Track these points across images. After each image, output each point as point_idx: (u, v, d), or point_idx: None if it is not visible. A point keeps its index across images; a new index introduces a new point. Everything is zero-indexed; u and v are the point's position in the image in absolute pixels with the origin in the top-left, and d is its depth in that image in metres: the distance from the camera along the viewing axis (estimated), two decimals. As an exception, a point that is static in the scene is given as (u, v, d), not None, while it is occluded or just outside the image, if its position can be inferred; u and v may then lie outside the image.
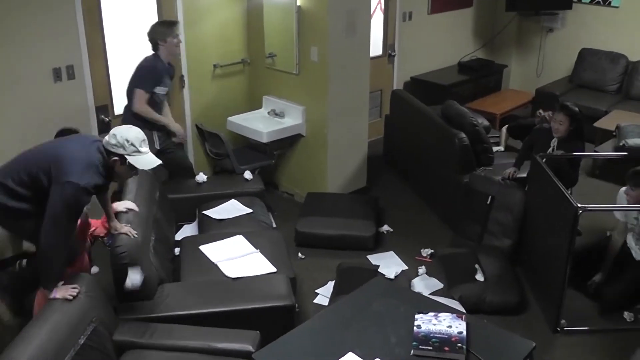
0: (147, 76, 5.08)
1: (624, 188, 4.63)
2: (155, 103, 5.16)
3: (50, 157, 3.40)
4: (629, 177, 4.49)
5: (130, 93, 5.10)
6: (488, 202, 5.21)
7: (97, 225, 4.51)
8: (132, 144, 3.43)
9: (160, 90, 5.14)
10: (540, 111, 6.11)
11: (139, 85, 5.05)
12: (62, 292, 3.33)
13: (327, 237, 5.36)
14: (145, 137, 3.54)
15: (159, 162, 3.59)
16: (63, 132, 4.51)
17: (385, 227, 5.71)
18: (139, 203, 4.24)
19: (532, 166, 5.09)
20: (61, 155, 3.37)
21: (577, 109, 5.11)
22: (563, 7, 8.24)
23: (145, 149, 3.50)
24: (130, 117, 5.04)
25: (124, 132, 3.45)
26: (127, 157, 3.43)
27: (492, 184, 5.29)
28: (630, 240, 4.66)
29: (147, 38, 5.14)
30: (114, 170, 3.50)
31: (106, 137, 3.47)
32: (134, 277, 3.63)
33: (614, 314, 4.53)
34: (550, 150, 5.15)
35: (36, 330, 3.04)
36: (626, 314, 4.50)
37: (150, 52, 5.17)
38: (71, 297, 3.32)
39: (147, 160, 3.51)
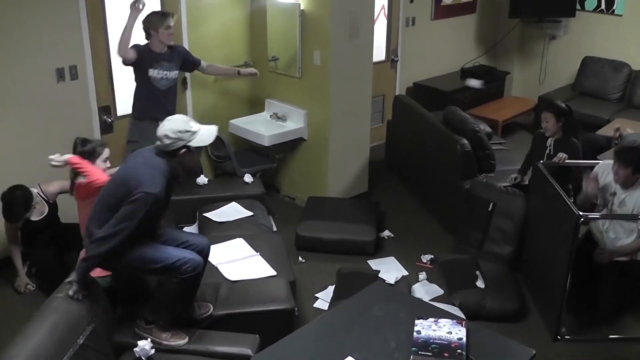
0: (139, 62, 5.09)
1: (607, 162, 4.69)
2: (155, 89, 5.15)
3: (121, 183, 3.42)
4: (618, 153, 4.48)
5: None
6: (489, 209, 5.20)
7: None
8: (186, 131, 3.43)
9: (155, 73, 5.12)
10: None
11: (136, 69, 5.15)
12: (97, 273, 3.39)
13: (327, 242, 5.35)
14: (186, 116, 3.58)
15: (216, 128, 3.59)
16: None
17: (386, 232, 5.71)
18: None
19: (533, 173, 5.09)
20: (130, 175, 3.42)
21: (563, 105, 5.18)
22: (566, 14, 8.24)
23: (196, 125, 3.50)
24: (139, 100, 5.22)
25: (170, 126, 3.43)
26: (189, 144, 3.44)
27: (494, 191, 5.27)
28: (599, 225, 4.68)
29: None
30: (182, 165, 3.52)
31: (157, 143, 3.46)
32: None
33: (613, 322, 4.53)
34: (547, 151, 5.15)
35: (35, 329, 3.03)
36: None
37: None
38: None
39: (206, 134, 3.52)
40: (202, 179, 5.61)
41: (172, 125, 3.44)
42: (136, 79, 5.19)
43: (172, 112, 5.02)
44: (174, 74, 5.24)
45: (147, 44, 5.13)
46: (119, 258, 3.41)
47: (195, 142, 3.46)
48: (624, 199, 4.52)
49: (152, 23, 5.07)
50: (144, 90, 5.15)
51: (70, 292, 3.33)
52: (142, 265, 3.47)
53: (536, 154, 5.25)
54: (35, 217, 4.65)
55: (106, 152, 4.29)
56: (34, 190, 4.61)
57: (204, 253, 3.75)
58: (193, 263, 3.51)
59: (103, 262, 3.45)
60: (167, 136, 3.41)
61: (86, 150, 4.21)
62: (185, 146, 3.44)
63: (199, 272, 3.58)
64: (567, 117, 5.12)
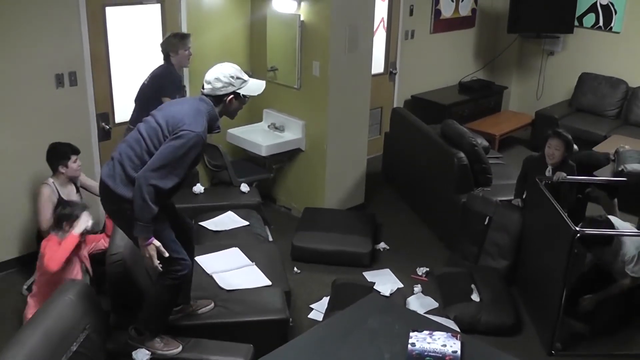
0: (170, 84, 5.09)
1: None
2: None
3: (158, 125, 3.31)
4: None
5: (150, 101, 4.88)
6: (485, 223, 5.20)
7: (98, 239, 4.52)
8: (237, 77, 3.42)
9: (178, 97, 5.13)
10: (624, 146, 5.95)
11: (165, 93, 5.00)
12: (153, 251, 3.30)
13: (323, 253, 5.34)
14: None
15: (264, 83, 3.59)
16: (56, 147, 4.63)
17: (382, 244, 5.71)
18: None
19: (530, 189, 5.09)
20: (170, 114, 3.33)
21: (569, 136, 5.12)
22: (564, 30, 8.29)
23: (246, 75, 3.49)
24: None
25: (222, 71, 3.40)
26: (239, 91, 3.43)
27: (490, 205, 5.28)
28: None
29: (159, 49, 5.21)
30: (226, 112, 3.49)
31: (207, 86, 3.40)
32: None
33: (607, 337, 4.52)
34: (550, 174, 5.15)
35: (28, 335, 3.01)
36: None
37: (158, 64, 5.23)
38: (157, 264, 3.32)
39: (255, 85, 3.52)
40: (199, 188, 5.60)
41: (224, 70, 3.41)
42: (157, 98, 4.97)
43: None
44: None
45: (168, 70, 5.13)
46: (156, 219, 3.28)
47: (244, 90, 3.45)
48: None
49: (173, 45, 5.14)
50: None
51: (156, 267, 3.32)
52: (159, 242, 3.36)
53: (531, 179, 5.24)
54: (65, 196, 4.67)
55: (83, 218, 4.25)
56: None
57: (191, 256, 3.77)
58: (187, 267, 3.51)
59: (148, 223, 3.25)
60: (218, 79, 3.37)
61: (65, 214, 4.22)
62: (234, 92, 3.42)
63: (186, 276, 3.56)
64: (571, 149, 5.09)
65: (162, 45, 5.17)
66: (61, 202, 4.33)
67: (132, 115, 5.24)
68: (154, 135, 3.29)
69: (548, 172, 5.08)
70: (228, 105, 3.45)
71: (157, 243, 3.29)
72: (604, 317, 4.56)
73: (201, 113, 3.33)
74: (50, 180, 4.65)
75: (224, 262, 4.48)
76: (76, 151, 4.69)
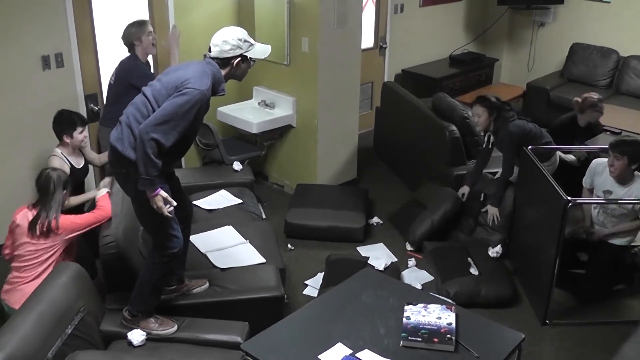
0: (137, 78, 4.79)
1: (599, 160, 4.66)
2: None
3: (164, 84, 3.33)
4: (613, 146, 4.41)
5: (119, 98, 4.74)
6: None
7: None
8: (245, 40, 3.44)
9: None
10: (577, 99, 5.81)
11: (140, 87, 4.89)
12: (160, 202, 3.29)
13: (316, 229, 5.35)
14: None
15: (269, 47, 3.60)
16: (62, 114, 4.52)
17: (375, 219, 5.71)
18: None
19: (521, 160, 5.08)
20: (175, 75, 3.34)
21: (493, 98, 5.07)
22: (555, 1, 8.23)
23: (252, 39, 3.51)
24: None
25: (230, 34, 3.42)
26: (246, 54, 3.45)
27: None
28: (595, 216, 4.68)
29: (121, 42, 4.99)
30: (232, 76, 3.50)
31: (215, 49, 3.41)
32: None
33: (598, 305, 4.58)
34: (485, 145, 5.18)
35: (23, 320, 3.00)
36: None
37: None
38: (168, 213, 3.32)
39: (261, 48, 3.54)
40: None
41: (232, 33, 3.43)
42: (128, 95, 4.63)
43: None
44: None
45: (134, 62, 4.94)
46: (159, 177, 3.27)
47: (251, 53, 3.48)
48: (622, 197, 4.49)
49: (134, 34, 4.89)
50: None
51: (167, 211, 3.31)
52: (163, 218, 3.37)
53: (482, 154, 5.30)
54: (76, 164, 4.57)
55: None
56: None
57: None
58: (179, 245, 3.50)
59: (152, 176, 3.23)
60: (226, 42, 3.39)
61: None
62: (241, 55, 3.44)
63: (177, 255, 3.56)
64: (498, 112, 5.00)
65: (124, 37, 4.96)
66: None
67: (104, 114, 5.07)
68: (160, 96, 3.31)
69: (486, 140, 5.16)
70: (235, 68, 3.47)
71: (164, 194, 3.30)
72: (592, 285, 4.60)
73: (206, 74, 3.35)
74: (58, 150, 4.49)
75: (218, 241, 4.48)
76: (84, 122, 4.56)
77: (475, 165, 5.39)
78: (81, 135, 4.50)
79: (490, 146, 5.18)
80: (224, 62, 3.43)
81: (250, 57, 3.49)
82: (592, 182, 4.70)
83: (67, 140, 4.47)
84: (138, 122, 3.28)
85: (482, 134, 5.23)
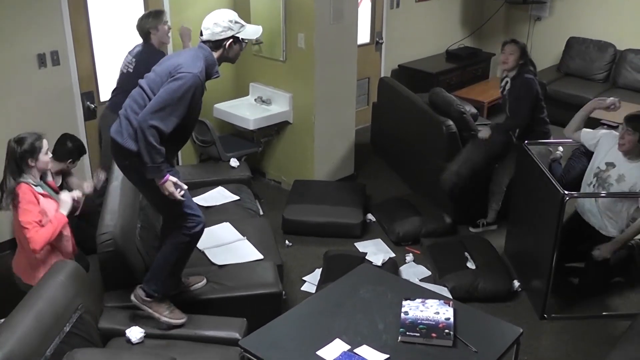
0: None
1: (604, 130, 4.64)
2: None
3: (159, 74, 3.36)
4: (628, 119, 4.34)
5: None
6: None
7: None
8: (236, 22, 3.45)
9: None
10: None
11: None
12: (171, 187, 3.33)
13: (314, 225, 5.34)
14: None
15: (260, 27, 3.62)
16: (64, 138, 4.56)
17: (372, 215, 5.71)
18: (125, 190, 4.21)
19: (518, 153, 5.07)
20: (168, 63, 3.37)
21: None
22: (551, -5, 8.25)
23: (242, 20, 3.52)
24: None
25: (220, 16, 3.43)
26: (238, 35, 3.46)
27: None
28: (587, 205, 4.60)
29: (136, 31, 5.02)
30: (225, 58, 3.50)
31: (206, 32, 3.42)
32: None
33: (596, 299, 4.59)
34: (503, 85, 5.14)
35: (21, 318, 2.99)
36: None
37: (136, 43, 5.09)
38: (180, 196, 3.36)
39: (253, 29, 3.56)
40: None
41: (222, 15, 3.45)
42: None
43: None
44: None
45: (153, 49, 4.98)
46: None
47: (243, 34, 3.49)
48: (623, 174, 4.37)
49: (151, 23, 4.97)
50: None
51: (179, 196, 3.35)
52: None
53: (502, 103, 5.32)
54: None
55: (45, 144, 3.78)
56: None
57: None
58: (201, 223, 3.55)
59: (158, 163, 3.26)
60: (217, 24, 3.40)
61: (26, 150, 3.69)
62: (233, 37, 3.45)
63: (199, 234, 3.59)
64: (526, 59, 5.05)
65: (139, 26, 4.99)
66: (13, 143, 3.74)
67: (116, 101, 4.90)
68: (155, 86, 3.33)
69: (504, 83, 5.13)
70: (228, 50, 3.48)
71: (174, 178, 3.33)
72: (590, 279, 4.60)
73: (199, 57, 3.37)
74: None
75: (216, 238, 4.47)
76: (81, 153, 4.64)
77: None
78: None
79: (504, 92, 5.13)
80: (216, 44, 3.44)
81: (242, 38, 3.50)
82: (592, 144, 4.63)
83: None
84: (135, 113, 3.31)
85: (504, 75, 5.18)
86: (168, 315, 3.55)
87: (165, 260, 3.57)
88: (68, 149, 4.56)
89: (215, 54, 3.45)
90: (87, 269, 4.07)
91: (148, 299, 3.55)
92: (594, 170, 4.54)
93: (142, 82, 3.42)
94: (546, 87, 7.58)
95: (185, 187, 3.41)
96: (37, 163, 3.75)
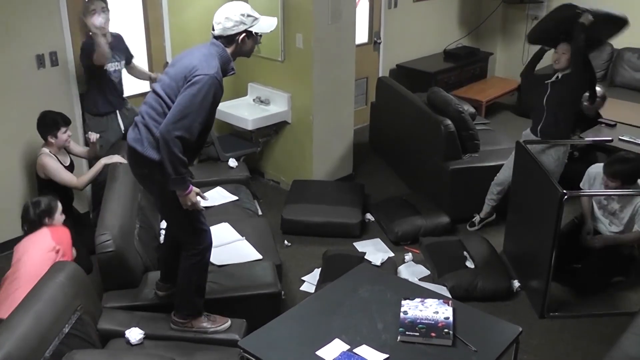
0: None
1: (595, 167, 4.67)
2: (112, 82, 5.11)
3: (172, 77, 3.26)
4: (607, 166, 4.45)
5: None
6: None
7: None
8: (248, 15, 3.33)
9: (110, 67, 5.06)
10: None
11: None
12: (194, 198, 3.29)
13: (313, 225, 5.34)
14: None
15: (276, 19, 3.52)
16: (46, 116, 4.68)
17: (370, 215, 5.71)
18: (124, 191, 4.21)
19: (517, 151, 5.07)
20: (182, 65, 3.24)
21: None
22: (548, -6, 8.25)
23: (256, 12, 3.41)
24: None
25: (232, 10, 3.31)
26: (251, 29, 3.34)
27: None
28: (598, 214, 4.71)
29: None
30: (239, 53, 3.38)
31: (218, 27, 3.31)
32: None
33: (596, 298, 4.59)
34: (554, 79, 5.00)
35: (20, 319, 2.99)
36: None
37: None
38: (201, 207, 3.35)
39: (267, 22, 3.43)
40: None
41: (234, 8, 3.31)
42: (92, 76, 5.05)
43: (125, 100, 5.25)
44: (122, 64, 5.20)
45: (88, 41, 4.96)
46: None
47: (257, 28, 3.37)
48: (616, 211, 4.55)
49: (83, 13, 4.90)
50: (107, 85, 5.08)
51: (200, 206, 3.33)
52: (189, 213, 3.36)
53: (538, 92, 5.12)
54: (62, 162, 4.78)
55: (59, 206, 4.10)
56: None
57: None
58: (208, 238, 3.51)
59: (183, 174, 3.20)
60: (229, 18, 3.28)
61: (43, 210, 3.99)
62: (246, 31, 3.34)
63: (208, 249, 3.55)
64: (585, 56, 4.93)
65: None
66: (29, 205, 4.04)
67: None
68: (171, 90, 3.23)
69: (555, 78, 4.99)
70: (241, 45, 3.36)
71: (197, 189, 3.29)
72: (589, 278, 4.61)
73: (212, 56, 3.26)
74: (46, 149, 4.69)
75: (214, 238, 4.40)
76: (67, 122, 4.74)
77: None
78: (65, 135, 4.72)
79: (547, 89, 4.99)
80: (228, 39, 3.33)
81: (256, 32, 3.38)
82: (592, 184, 4.71)
83: (52, 140, 4.70)
84: (154, 120, 3.23)
85: (556, 71, 5.02)
86: (211, 326, 3.54)
87: (187, 283, 3.52)
88: (51, 119, 4.69)
89: (229, 50, 3.34)
90: (90, 270, 4.06)
91: (184, 321, 3.53)
92: (601, 204, 4.67)
93: (156, 86, 3.32)
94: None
95: (207, 197, 3.32)
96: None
